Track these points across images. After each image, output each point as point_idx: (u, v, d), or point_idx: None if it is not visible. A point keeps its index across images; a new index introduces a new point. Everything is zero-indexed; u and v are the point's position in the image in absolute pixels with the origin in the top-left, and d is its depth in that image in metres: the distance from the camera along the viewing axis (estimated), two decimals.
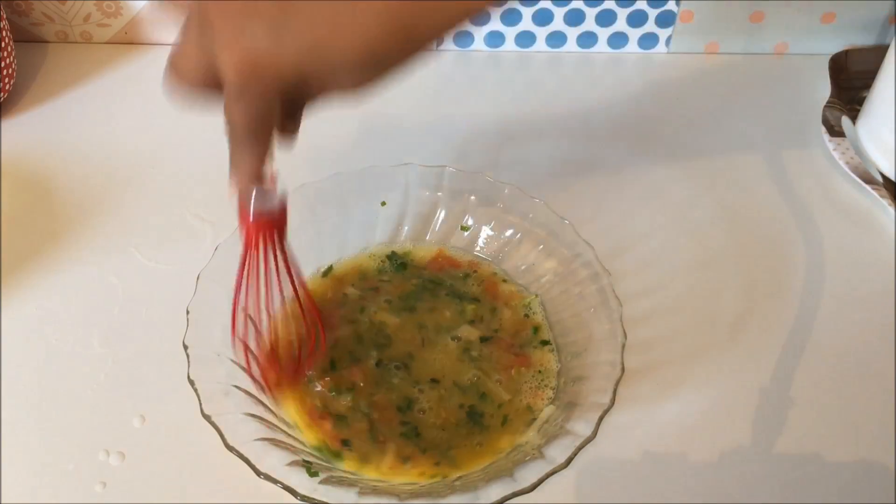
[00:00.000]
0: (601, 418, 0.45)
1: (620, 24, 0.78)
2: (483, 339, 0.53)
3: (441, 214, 0.59)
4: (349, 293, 0.55)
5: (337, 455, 0.48)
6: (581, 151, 0.70)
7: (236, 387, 0.48)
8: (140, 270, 0.60)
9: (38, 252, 0.61)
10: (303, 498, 0.42)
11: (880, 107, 0.66)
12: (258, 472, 0.43)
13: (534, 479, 0.43)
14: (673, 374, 0.54)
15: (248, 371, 0.49)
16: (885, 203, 0.64)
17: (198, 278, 0.51)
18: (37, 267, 0.60)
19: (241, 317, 0.48)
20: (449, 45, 0.80)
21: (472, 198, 0.58)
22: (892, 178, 0.66)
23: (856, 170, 0.67)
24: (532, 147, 0.70)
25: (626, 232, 0.63)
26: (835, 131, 0.70)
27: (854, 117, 0.70)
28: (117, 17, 0.77)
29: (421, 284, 0.56)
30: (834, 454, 0.51)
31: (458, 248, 0.59)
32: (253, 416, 0.47)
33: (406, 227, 0.59)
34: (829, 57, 0.76)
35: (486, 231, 0.58)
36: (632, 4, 0.76)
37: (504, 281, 0.57)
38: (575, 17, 0.78)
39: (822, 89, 0.74)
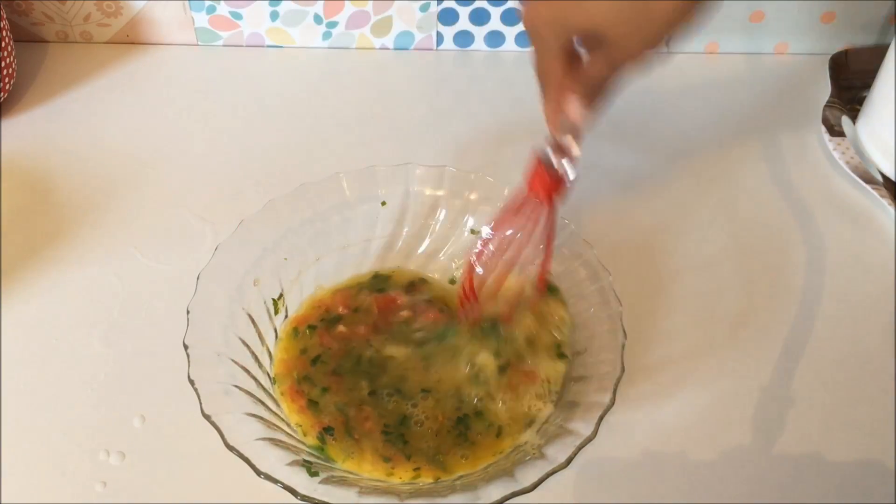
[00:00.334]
0: (601, 418, 0.45)
1: None
2: (501, 369, 0.51)
3: (441, 214, 0.59)
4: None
5: (321, 441, 0.49)
6: (581, 151, 0.70)
7: (236, 387, 0.48)
8: (140, 270, 0.60)
9: (38, 252, 0.61)
10: (303, 498, 0.42)
11: (880, 107, 0.66)
12: (258, 472, 0.43)
13: (534, 479, 0.43)
14: (673, 374, 0.54)
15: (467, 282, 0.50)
16: (885, 203, 0.64)
17: (198, 278, 0.51)
18: (37, 267, 0.60)
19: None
20: (449, 45, 0.80)
21: (473, 197, 0.58)
22: (892, 178, 0.66)
23: (856, 170, 0.67)
24: (532, 147, 0.70)
25: (626, 232, 0.63)
26: (835, 131, 0.70)
27: (854, 117, 0.70)
28: (117, 17, 0.77)
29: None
30: (834, 454, 0.51)
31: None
32: (253, 416, 0.47)
33: (406, 227, 0.59)
34: (829, 57, 0.76)
35: (486, 231, 0.58)
36: None
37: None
38: None
39: (822, 89, 0.74)
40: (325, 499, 0.43)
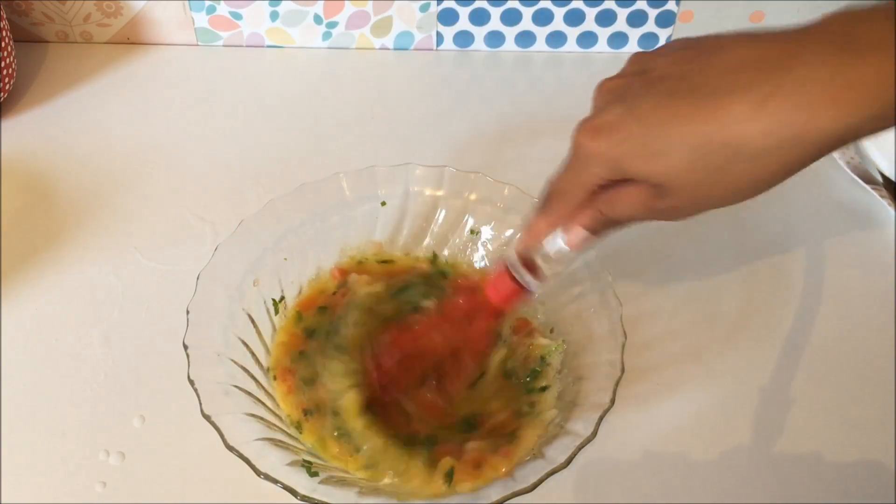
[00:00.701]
0: (601, 418, 0.45)
1: (620, 24, 0.78)
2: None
3: (441, 214, 0.59)
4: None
5: (298, 426, 0.49)
6: None
7: (236, 387, 0.48)
8: (140, 270, 0.60)
9: (38, 252, 0.61)
10: (303, 498, 0.42)
11: None
12: (258, 472, 0.43)
13: (534, 479, 0.43)
14: (673, 374, 0.54)
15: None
16: (885, 203, 0.64)
17: (198, 278, 0.51)
18: (37, 267, 0.60)
19: None
20: (449, 45, 0.80)
21: (472, 197, 0.58)
22: (892, 178, 0.66)
23: (856, 170, 0.67)
24: (532, 147, 0.70)
25: (626, 232, 0.63)
26: None
27: None
28: (117, 17, 0.77)
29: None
30: (834, 454, 0.51)
31: None
32: (253, 416, 0.47)
33: (406, 228, 0.59)
34: None
35: (486, 231, 0.58)
36: (632, 4, 0.77)
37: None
38: (575, 17, 0.78)
39: None
40: (325, 499, 0.43)
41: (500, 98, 0.75)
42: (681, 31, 0.78)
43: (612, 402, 0.45)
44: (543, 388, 0.51)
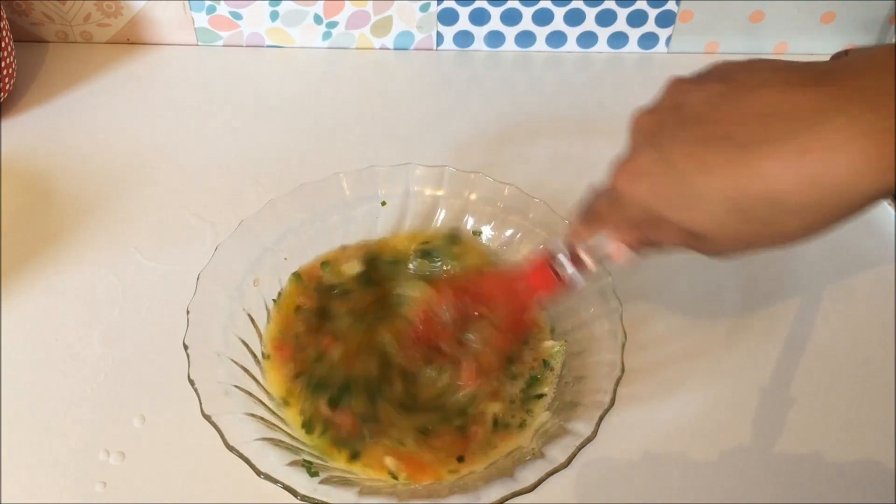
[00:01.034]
0: (601, 418, 0.45)
1: (620, 24, 0.78)
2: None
3: (441, 214, 0.59)
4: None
5: (286, 403, 0.50)
6: (581, 151, 0.70)
7: (236, 387, 0.48)
8: (140, 270, 0.60)
9: (38, 252, 0.61)
10: (303, 498, 0.42)
11: None
12: (258, 472, 0.43)
13: (534, 479, 0.43)
14: (673, 374, 0.54)
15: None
16: (885, 203, 0.64)
17: (198, 278, 0.51)
18: (37, 267, 0.60)
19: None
20: (449, 45, 0.80)
21: (472, 198, 0.58)
22: None
23: None
24: (532, 147, 0.70)
25: None
26: None
27: None
28: (117, 17, 0.77)
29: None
30: (834, 454, 0.51)
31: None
32: (253, 416, 0.47)
33: (406, 228, 0.59)
34: (829, 57, 0.76)
35: (486, 231, 0.58)
36: (632, 4, 0.77)
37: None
38: (575, 17, 0.78)
39: None
40: (325, 499, 0.43)
41: (500, 98, 0.75)
42: (681, 31, 0.78)
43: (612, 402, 0.45)
44: (540, 396, 0.51)
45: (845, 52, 0.76)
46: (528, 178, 0.59)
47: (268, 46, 0.80)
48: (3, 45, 0.69)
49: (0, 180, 0.66)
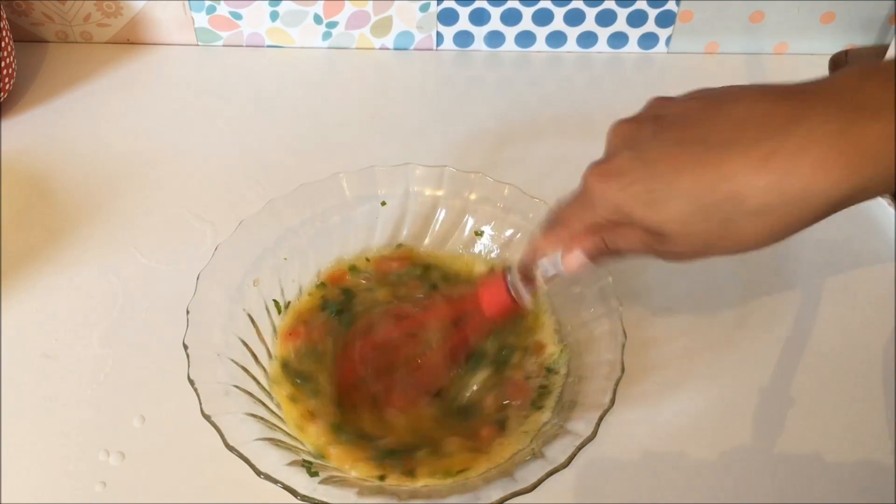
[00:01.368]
0: (601, 418, 0.45)
1: (620, 24, 0.78)
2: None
3: (441, 214, 0.59)
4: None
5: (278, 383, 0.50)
6: (581, 151, 0.69)
7: (236, 387, 0.48)
8: (140, 270, 0.60)
9: (38, 252, 0.61)
10: (303, 498, 0.42)
11: None
12: (258, 472, 0.43)
13: (534, 479, 0.43)
14: (673, 374, 0.54)
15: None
16: (885, 203, 0.64)
17: (198, 278, 0.51)
18: (37, 267, 0.60)
19: None
20: (449, 44, 0.80)
21: (472, 197, 0.58)
22: None
23: None
24: (532, 147, 0.70)
25: None
26: None
27: None
28: (117, 17, 0.77)
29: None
30: (834, 454, 0.51)
31: None
32: (253, 416, 0.47)
33: (406, 228, 0.59)
34: (829, 57, 0.76)
35: (486, 231, 0.58)
36: (632, 4, 0.77)
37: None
38: (575, 17, 0.78)
39: None
40: (325, 499, 0.43)
41: (500, 98, 0.75)
42: (681, 31, 0.78)
43: (612, 402, 0.45)
44: (540, 408, 0.50)
45: (845, 53, 0.76)
46: (528, 178, 0.59)
47: (268, 46, 0.80)
48: (3, 45, 0.69)
49: (0, 180, 0.66)
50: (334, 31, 0.78)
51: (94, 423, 0.51)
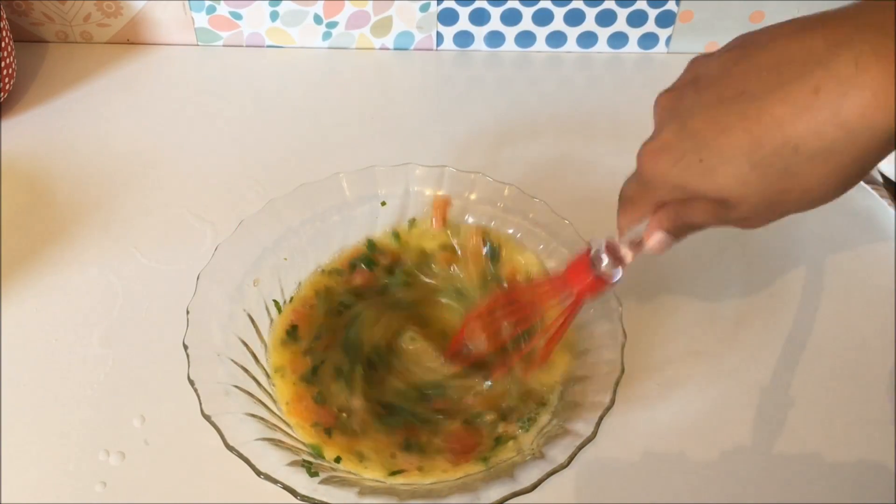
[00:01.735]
0: (601, 418, 0.45)
1: (620, 24, 0.78)
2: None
3: None
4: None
5: (280, 372, 0.51)
6: (581, 151, 0.70)
7: (236, 387, 0.48)
8: (140, 270, 0.60)
9: (38, 252, 0.61)
10: (303, 498, 0.42)
11: None
12: (258, 472, 0.43)
13: (534, 479, 0.43)
14: (673, 374, 0.54)
15: None
16: (885, 203, 0.64)
17: (198, 278, 0.51)
18: (37, 267, 0.60)
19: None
20: (449, 45, 0.80)
21: (472, 198, 0.58)
22: (892, 178, 0.66)
23: None
24: (532, 147, 0.70)
25: None
26: None
27: None
28: (117, 17, 0.77)
29: None
30: (834, 454, 0.51)
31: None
32: (253, 416, 0.47)
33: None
34: None
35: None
36: (632, 4, 0.77)
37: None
38: (575, 17, 0.78)
39: None
40: (325, 499, 0.43)
41: (500, 98, 0.75)
42: (681, 31, 0.78)
43: (612, 402, 0.45)
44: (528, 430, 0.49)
45: None
46: (528, 178, 0.59)
47: (268, 46, 0.80)
48: (3, 45, 0.69)
49: (0, 180, 0.66)
50: (334, 31, 0.78)
51: (94, 423, 0.51)
